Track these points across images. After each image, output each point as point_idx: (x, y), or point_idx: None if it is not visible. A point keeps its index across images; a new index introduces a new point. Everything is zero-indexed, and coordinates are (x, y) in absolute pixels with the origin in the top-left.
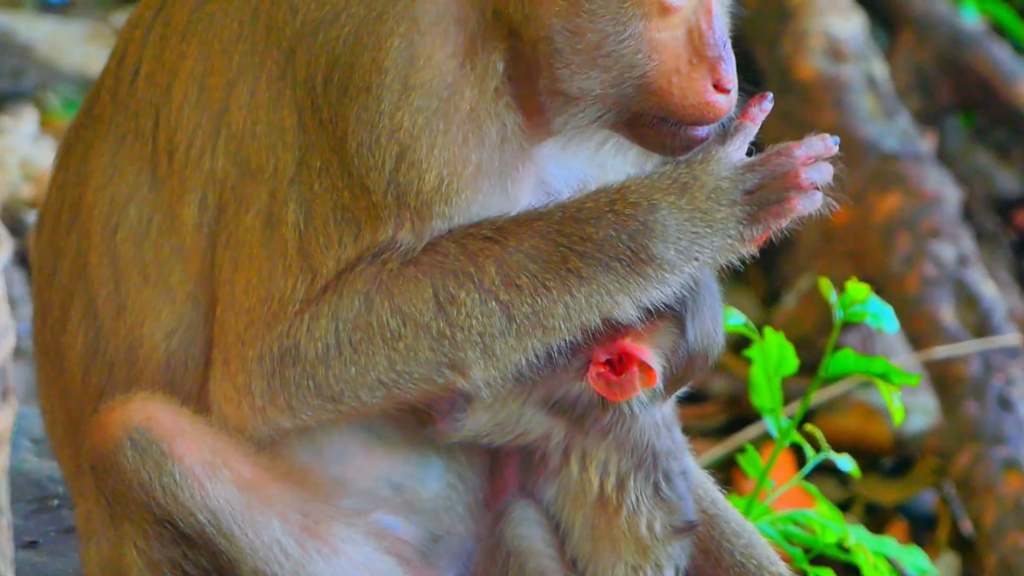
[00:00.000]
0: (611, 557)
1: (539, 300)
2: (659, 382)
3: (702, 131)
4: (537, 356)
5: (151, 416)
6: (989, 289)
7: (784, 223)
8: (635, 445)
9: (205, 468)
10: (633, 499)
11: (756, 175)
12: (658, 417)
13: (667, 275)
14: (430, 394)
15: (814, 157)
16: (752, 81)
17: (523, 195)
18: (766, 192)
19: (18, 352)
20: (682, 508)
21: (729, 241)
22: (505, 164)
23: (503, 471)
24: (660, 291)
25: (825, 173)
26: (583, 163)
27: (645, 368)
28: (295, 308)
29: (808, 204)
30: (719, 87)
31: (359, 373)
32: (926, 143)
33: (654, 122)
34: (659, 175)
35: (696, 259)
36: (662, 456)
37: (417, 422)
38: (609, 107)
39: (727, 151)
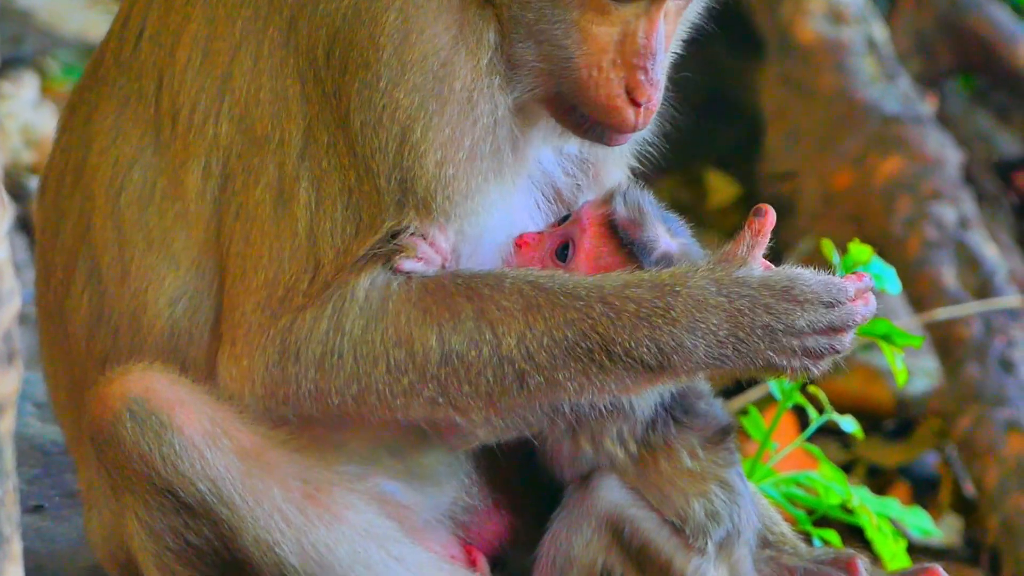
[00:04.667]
0: (679, 497)
1: (555, 375)
2: None
3: (611, 136)
4: (541, 411)
5: (149, 387)
6: (990, 251)
7: (804, 374)
8: (643, 409)
9: (205, 437)
10: (662, 445)
11: (821, 326)
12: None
13: (682, 378)
14: (430, 422)
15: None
16: (753, 44)
17: (518, 183)
18: (818, 345)
19: (21, 317)
20: (710, 421)
21: (752, 368)
22: (497, 149)
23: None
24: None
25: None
26: (576, 149)
27: None
28: (300, 302)
29: (829, 365)
30: (631, 97)
31: (360, 392)
32: (927, 106)
33: (569, 107)
34: (719, 286)
35: (714, 369)
36: (673, 399)
37: (427, 433)
38: (541, 82)
39: (808, 289)
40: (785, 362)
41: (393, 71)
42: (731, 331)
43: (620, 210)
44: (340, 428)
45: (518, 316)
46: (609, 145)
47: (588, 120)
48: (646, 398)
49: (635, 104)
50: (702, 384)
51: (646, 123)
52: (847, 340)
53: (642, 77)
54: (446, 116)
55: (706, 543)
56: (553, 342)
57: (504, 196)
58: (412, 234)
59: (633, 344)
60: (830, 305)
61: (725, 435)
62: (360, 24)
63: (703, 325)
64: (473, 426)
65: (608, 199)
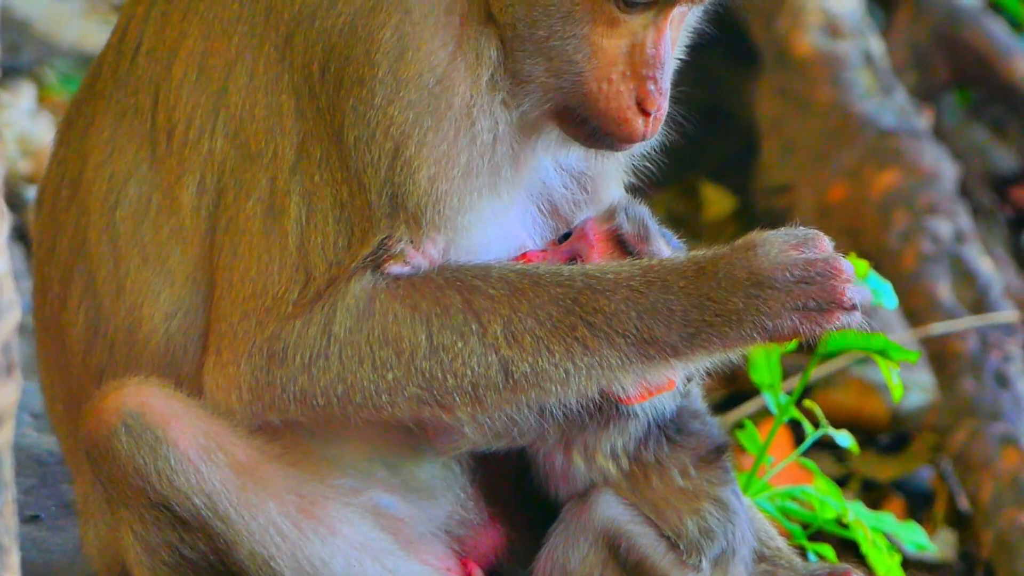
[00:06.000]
0: (673, 514)
1: (540, 361)
2: (679, 382)
3: (619, 145)
4: (528, 410)
5: (145, 401)
6: (986, 265)
7: (818, 333)
8: (637, 427)
9: (199, 452)
10: (653, 463)
11: (799, 272)
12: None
13: (671, 359)
14: (417, 421)
15: (852, 275)
16: (750, 57)
17: (515, 198)
18: (808, 295)
19: (19, 327)
20: (704, 440)
21: (744, 334)
22: (496, 165)
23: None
24: (664, 373)
25: (865, 294)
26: (574, 163)
27: None
28: (288, 310)
29: (850, 321)
30: (641, 107)
31: (345, 391)
32: (923, 119)
33: (578, 119)
34: (689, 257)
35: (704, 347)
36: (667, 418)
37: (420, 443)
38: (549, 97)
39: (770, 238)
40: (774, 322)
41: (388, 88)
42: (704, 293)
43: (626, 225)
44: (326, 433)
45: (504, 302)
46: (615, 151)
47: (597, 131)
48: (642, 406)
49: (644, 114)
50: (697, 404)
51: (655, 132)
52: (843, 289)
53: (651, 87)
54: (442, 132)
55: (700, 560)
56: (537, 323)
57: (500, 211)
58: (403, 244)
59: (613, 310)
60: (799, 246)
61: (719, 454)
62: (356, 41)
63: (675, 287)
64: (460, 424)
65: (611, 215)
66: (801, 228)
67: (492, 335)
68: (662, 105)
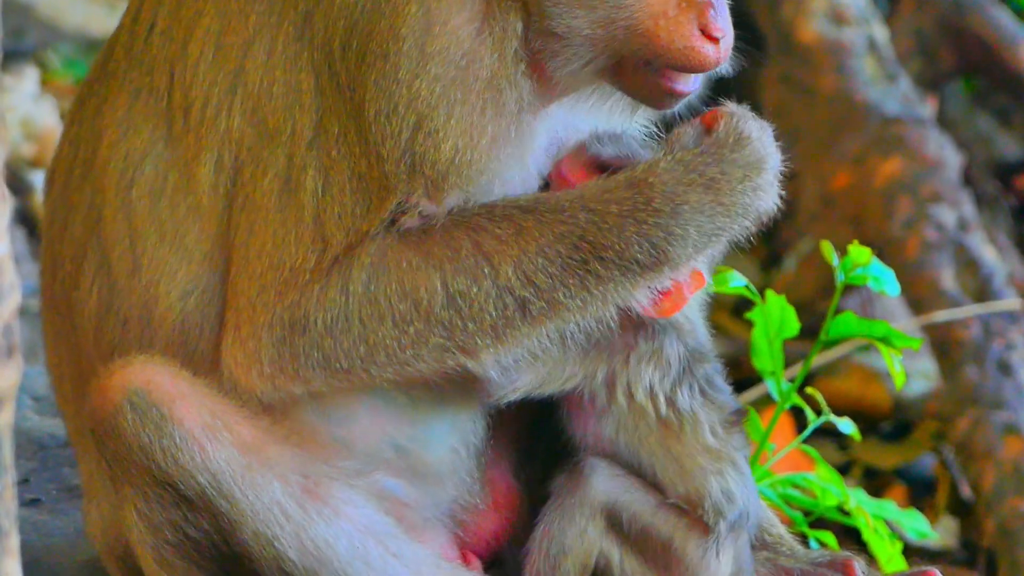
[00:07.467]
0: (699, 473)
1: (556, 296)
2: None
3: (690, 80)
4: (549, 339)
5: (150, 379)
6: (989, 254)
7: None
8: (670, 358)
9: (205, 430)
10: (689, 412)
11: (776, 147)
12: (682, 320)
13: (683, 266)
14: (440, 372)
15: None
16: (754, 44)
17: (538, 163)
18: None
19: (19, 310)
20: (727, 402)
21: (749, 222)
22: (521, 133)
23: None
24: (675, 277)
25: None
26: (595, 126)
27: (693, 274)
28: (306, 278)
29: None
30: (707, 33)
31: (368, 351)
32: (927, 107)
33: (640, 66)
34: (686, 165)
35: (714, 245)
36: (696, 362)
37: (470, 388)
38: (598, 50)
39: (754, 129)
40: (772, 201)
41: (413, 62)
42: (715, 200)
43: (604, 149)
44: (335, 413)
45: (511, 243)
46: (673, 101)
47: (662, 72)
48: (675, 338)
49: (712, 40)
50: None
51: (726, 57)
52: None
53: (712, 12)
54: (469, 105)
55: (719, 522)
56: (547, 261)
57: (524, 181)
58: (420, 205)
59: (623, 245)
60: (757, 123)
61: (740, 417)
62: (380, 16)
63: (686, 206)
64: (484, 369)
65: (583, 148)
66: (732, 108)
67: (505, 277)
68: (727, 30)
